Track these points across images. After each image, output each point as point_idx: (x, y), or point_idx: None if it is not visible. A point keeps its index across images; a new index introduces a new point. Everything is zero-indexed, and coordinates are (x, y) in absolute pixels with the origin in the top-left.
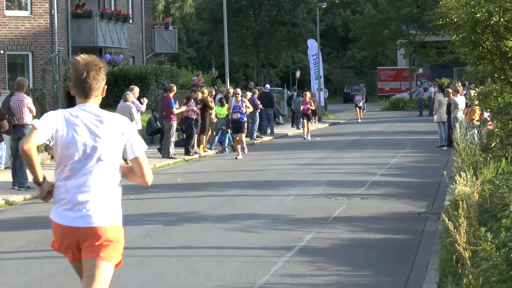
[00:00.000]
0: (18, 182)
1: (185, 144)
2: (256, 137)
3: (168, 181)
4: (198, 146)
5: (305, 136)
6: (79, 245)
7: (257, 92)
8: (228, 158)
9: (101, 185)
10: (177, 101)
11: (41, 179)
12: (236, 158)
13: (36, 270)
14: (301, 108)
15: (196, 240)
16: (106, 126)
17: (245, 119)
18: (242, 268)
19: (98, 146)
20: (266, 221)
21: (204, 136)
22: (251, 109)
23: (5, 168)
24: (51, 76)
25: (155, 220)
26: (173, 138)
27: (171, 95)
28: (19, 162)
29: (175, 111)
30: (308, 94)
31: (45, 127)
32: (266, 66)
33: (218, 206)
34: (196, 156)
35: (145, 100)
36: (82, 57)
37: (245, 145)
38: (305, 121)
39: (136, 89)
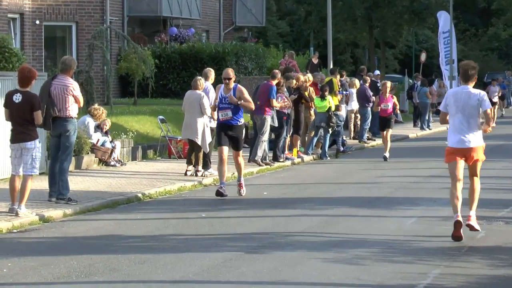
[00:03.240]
0: (57, 192)
1: (273, 146)
2: (367, 139)
3: (251, 195)
4: (291, 149)
5: (385, 154)
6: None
7: (369, 80)
8: (329, 166)
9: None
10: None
11: None
12: (240, 193)
13: None
14: (379, 108)
15: (287, 274)
16: (474, 97)
17: (242, 120)
18: None
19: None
20: (379, 251)
21: (299, 137)
22: (251, 104)
23: (40, 173)
24: (101, 54)
25: (234, 246)
26: (266, 137)
27: (274, 82)
28: (58, 166)
29: (275, 103)
30: (388, 85)
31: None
32: (381, 46)
33: (316, 229)
34: (288, 162)
35: None
36: (465, 62)
37: (242, 181)
38: (385, 131)
39: (212, 73)
